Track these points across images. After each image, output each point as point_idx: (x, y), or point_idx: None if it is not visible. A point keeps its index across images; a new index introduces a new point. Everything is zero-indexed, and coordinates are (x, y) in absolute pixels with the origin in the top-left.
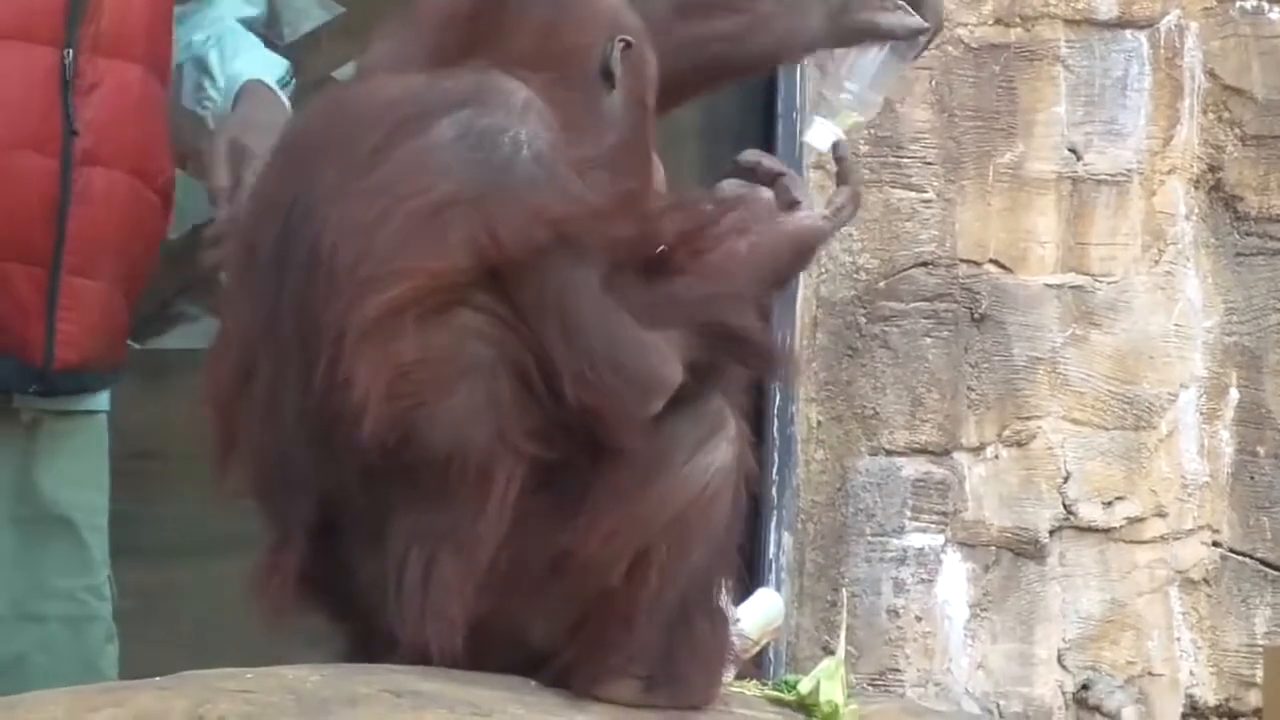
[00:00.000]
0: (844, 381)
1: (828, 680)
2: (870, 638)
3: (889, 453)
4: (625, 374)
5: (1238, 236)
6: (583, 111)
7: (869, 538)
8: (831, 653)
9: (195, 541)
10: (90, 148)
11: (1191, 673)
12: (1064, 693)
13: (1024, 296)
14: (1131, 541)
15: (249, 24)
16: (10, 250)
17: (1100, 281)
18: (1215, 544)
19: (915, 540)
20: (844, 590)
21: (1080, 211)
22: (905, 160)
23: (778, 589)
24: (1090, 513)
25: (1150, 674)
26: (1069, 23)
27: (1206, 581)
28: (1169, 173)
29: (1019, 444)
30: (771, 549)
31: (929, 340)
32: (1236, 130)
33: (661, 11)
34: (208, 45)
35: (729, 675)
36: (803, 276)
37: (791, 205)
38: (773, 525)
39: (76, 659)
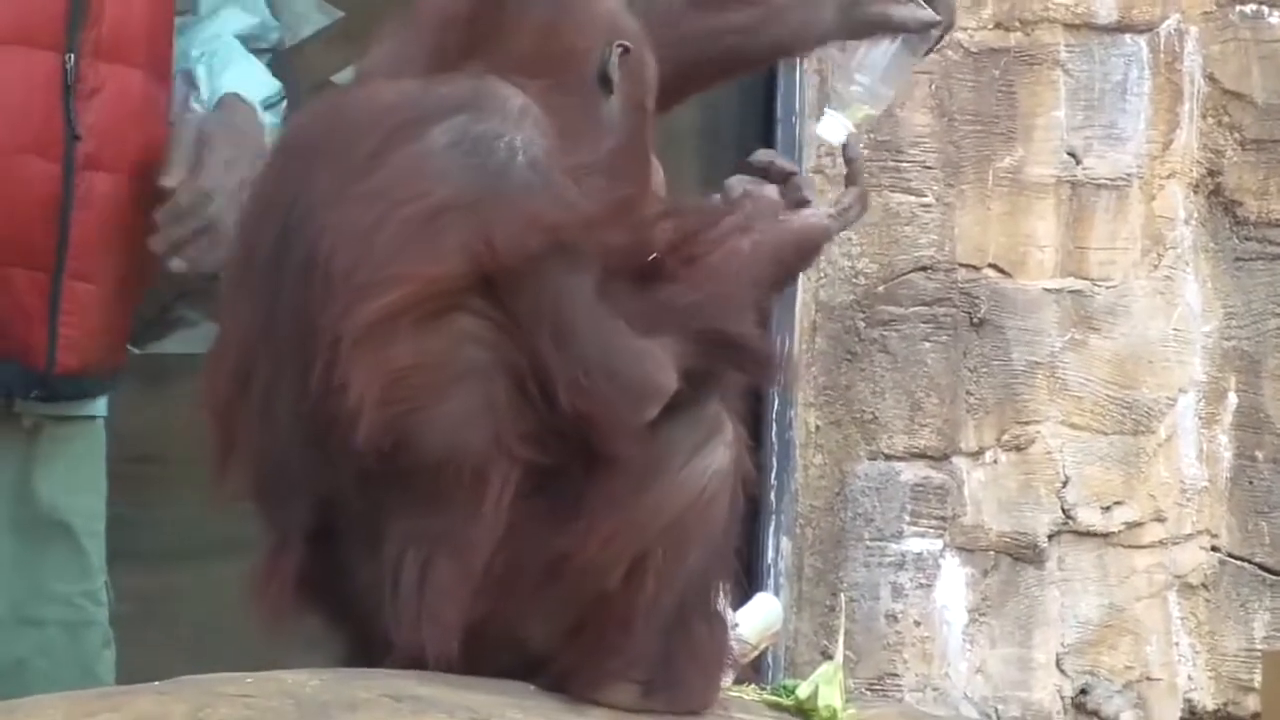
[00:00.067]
0: (843, 386)
1: (826, 685)
2: (869, 642)
3: (888, 457)
4: (619, 381)
5: (1237, 241)
6: (580, 116)
7: (867, 542)
8: (830, 657)
9: (194, 545)
10: (92, 152)
11: (1190, 677)
12: (1062, 697)
13: (1023, 301)
14: (1130, 546)
15: (248, 36)
16: (12, 254)
17: (1099, 286)
18: (1214, 549)
19: (914, 545)
20: (842, 595)
21: (1079, 216)
22: (905, 164)
23: (776, 594)
24: (1089, 517)
25: (1149, 679)
26: (1068, 27)
27: (1205, 586)
28: (1168, 177)
29: (1018, 449)
30: (770, 554)
31: (928, 345)
32: (1236, 135)
33: (675, 3)
34: (199, 60)
35: (727, 680)
36: (802, 280)
37: (800, 204)
38: (771, 530)
39: (74, 664)
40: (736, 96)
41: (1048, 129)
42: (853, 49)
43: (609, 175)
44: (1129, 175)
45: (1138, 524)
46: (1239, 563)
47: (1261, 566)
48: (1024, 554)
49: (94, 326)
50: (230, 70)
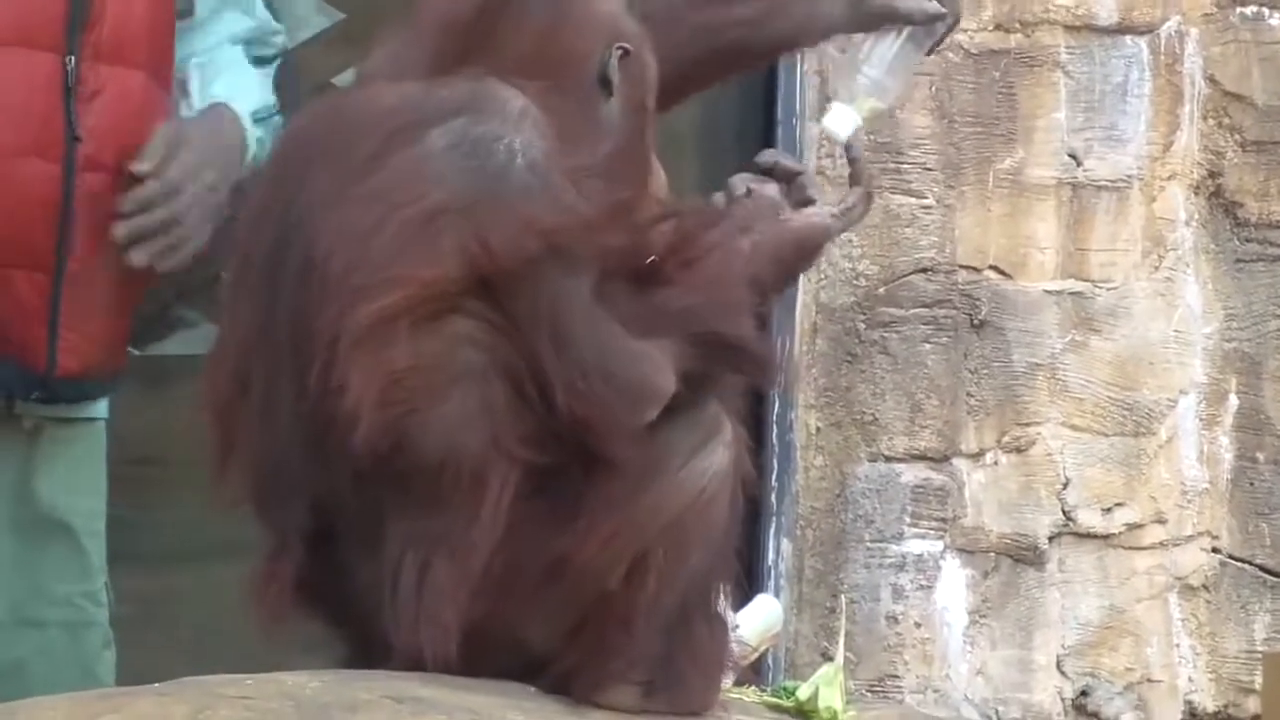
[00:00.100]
0: (843, 388)
1: (826, 686)
2: (869, 644)
3: (888, 459)
4: (617, 384)
5: (1238, 242)
6: (580, 119)
7: (868, 544)
8: (830, 659)
9: (194, 547)
10: (92, 154)
11: (1190, 679)
12: (1063, 699)
13: (1024, 302)
14: (1131, 548)
15: (250, 41)
16: (12, 256)
17: (1100, 287)
18: (1214, 550)
19: (914, 546)
20: (843, 596)
21: (1080, 217)
22: (905, 166)
23: (777, 595)
24: (1089, 519)
25: (1149, 680)
26: (1069, 29)
27: (1206, 588)
28: (1169, 179)
29: (1018, 450)
30: (770, 555)
31: (928, 346)
32: (1236, 136)
33: None
34: (192, 67)
35: (728, 681)
36: (802, 282)
37: (804, 203)
38: (772, 531)
39: (74, 665)
40: (737, 98)
41: (1048, 131)
42: (859, 42)
43: (608, 177)
44: (1129, 177)
45: (1138, 525)
46: (1240, 564)
47: (1262, 568)
48: (1024, 555)
49: (94, 328)
50: (223, 79)
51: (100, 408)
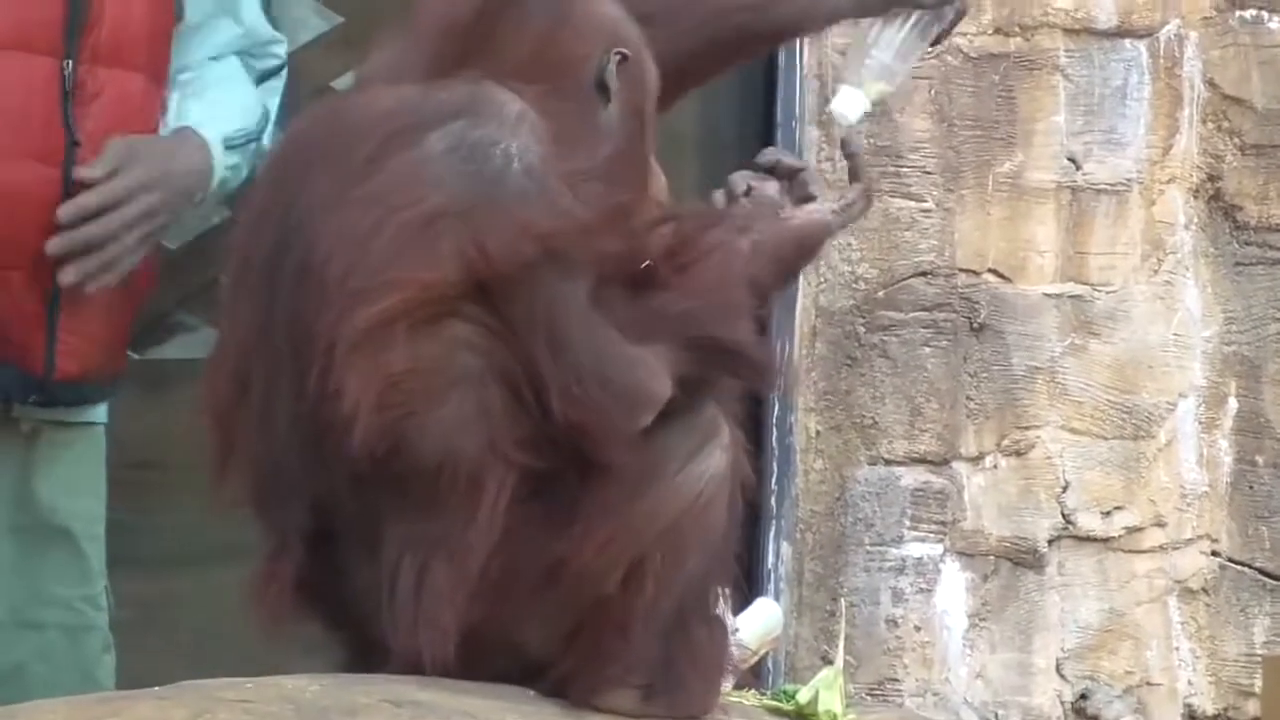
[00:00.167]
0: (843, 391)
1: (826, 690)
2: (869, 647)
3: (888, 462)
4: (612, 389)
5: (1237, 246)
6: (578, 123)
7: (868, 547)
8: (830, 662)
9: (194, 551)
10: (91, 157)
11: (1190, 682)
12: (1062, 702)
13: (1023, 306)
14: (1130, 551)
15: (240, 50)
16: (11, 259)
17: (1099, 291)
18: (1214, 553)
19: (914, 550)
20: (843, 600)
21: (1079, 221)
22: (904, 170)
23: (776, 599)
24: (1089, 522)
25: (1149, 683)
26: (1068, 32)
27: (1205, 591)
28: (1168, 182)
29: (1018, 453)
30: (770, 559)
31: (928, 350)
32: (1236, 140)
33: None
34: (175, 84)
35: (728, 685)
36: (802, 286)
37: (805, 200)
38: (771, 535)
39: (74, 668)
40: (737, 101)
41: (1047, 134)
42: (867, 26)
43: (606, 181)
44: (1129, 180)
45: (1138, 529)
46: (1239, 568)
47: (1262, 571)
48: (1024, 559)
49: (94, 332)
50: (203, 100)
51: (99, 412)
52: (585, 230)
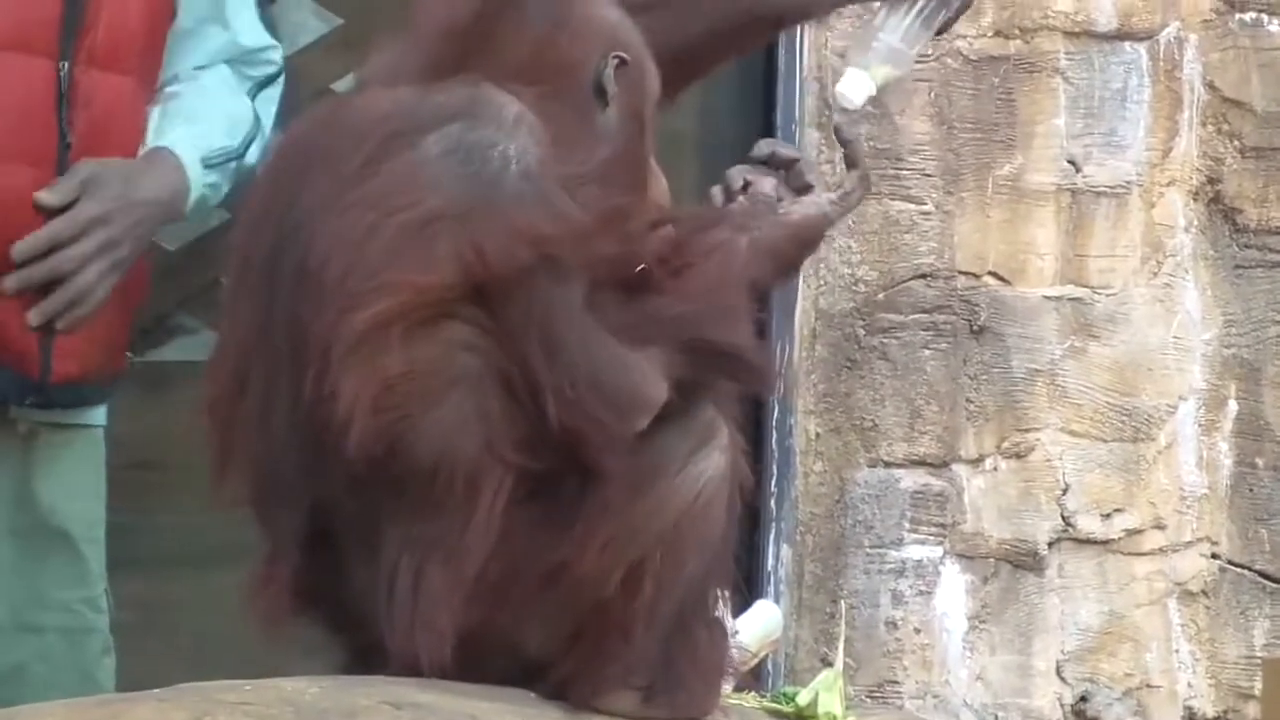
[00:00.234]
0: (843, 394)
1: (826, 692)
2: (869, 650)
3: (888, 465)
4: (606, 393)
5: (1237, 249)
6: (576, 126)
7: (867, 550)
8: (830, 665)
9: (194, 552)
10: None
11: (1190, 684)
12: (1062, 704)
13: (1023, 308)
14: (1130, 553)
15: (230, 59)
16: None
17: (1099, 293)
18: (1214, 556)
19: (914, 552)
20: (842, 602)
21: (1079, 223)
22: (904, 172)
23: (776, 601)
24: (1089, 525)
25: (1148, 686)
26: (1068, 35)
27: (1205, 593)
28: (1168, 185)
29: (1018, 456)
30: (770, 561)
31: (928, 352)
32: (1236, 142)
33: None
34: (160, 98)
35: (728, 687)
36: (802, 288)
37: (803, 189)
38: (771, 537)
39: (74, 671)
40: (736, 105)
41: (1047, 136)
42: (874, 10)
43: (604, 185)
44: (1129, 183)
45: (1138, 531)
46: (1239, 570)
47: (1261, 574)
48: (1024, 561)
49: (92, 334)
50: (182, 118)
51: (98, 414)
52: (582, 233)
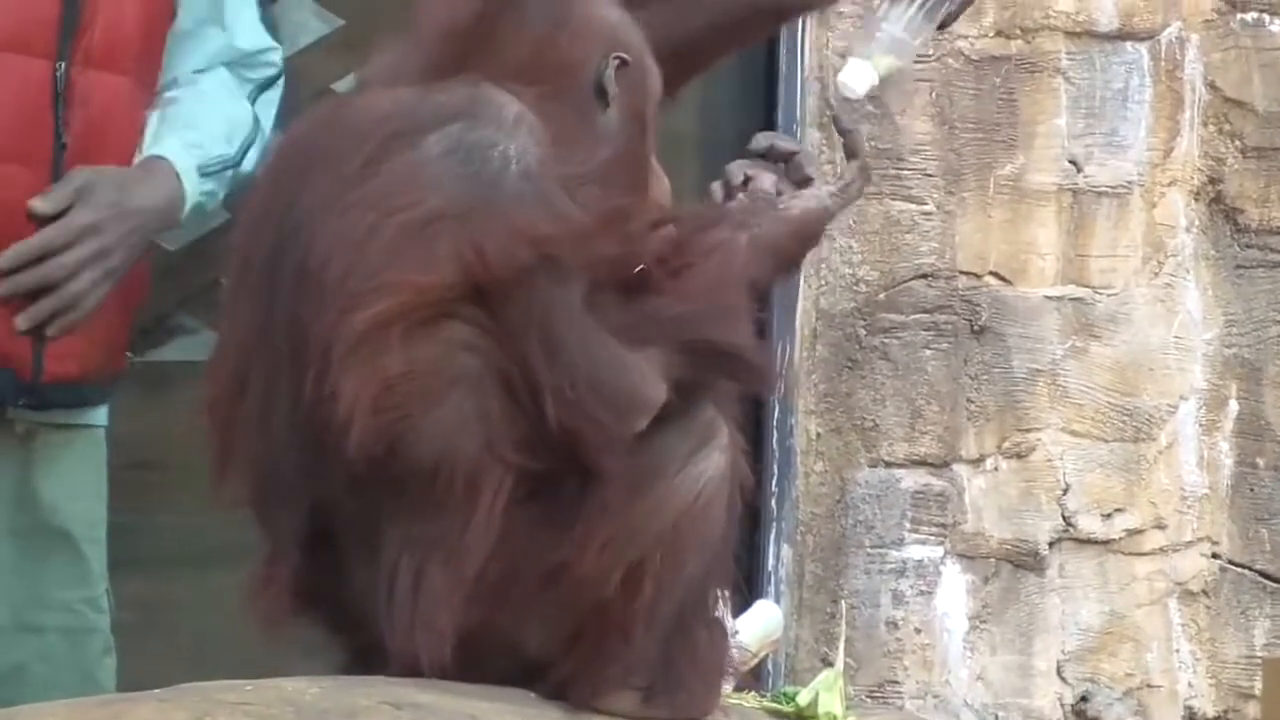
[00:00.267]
0: (843, 393)
1: (826, 692)
2: (869, 650)
3: (888, 465)
4: (605, 393)
5: (1238, 249)
6: (577, 126)
7: (868, 550)
8: (830, 665)
9: (194, 552)
10: (79, 160)
11: (1190, 684)
12: (1063, 704)
13: (1024, 308)
14: (1131, 553)
15: (229, 61)
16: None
17: (1100, 293)
18: (1214, 556)
19: (914, 552)
20: (843, 602)
21: (1080, 223)
22: (905, 172)
23: (777, 601)
24: (1090, 524)
25: (1149, 686)
26: (1069, 35)
27: (1205, 593)
28: (1169, 185)
29: (1018, 456)
30: (770, 561)
31: (929, 352)
32: (1237, 142)
33: None
34: (158, 103)
35: (728, 687)
36: (803, 288)
37: (803, 182)
38: (772, 537)
39: (75, 671)
40: (737, 105)
41: (1049, 136)
42: (876, 2)
43: (604, 185)
44: (1130, 183)
45: (1138, 531)
46: (1240, 570)
47: (1262, 574)
48: (1025, 561)
49: (92, 334)
50: (179, 125)
51: (99, 415)
52: (582, 234)
